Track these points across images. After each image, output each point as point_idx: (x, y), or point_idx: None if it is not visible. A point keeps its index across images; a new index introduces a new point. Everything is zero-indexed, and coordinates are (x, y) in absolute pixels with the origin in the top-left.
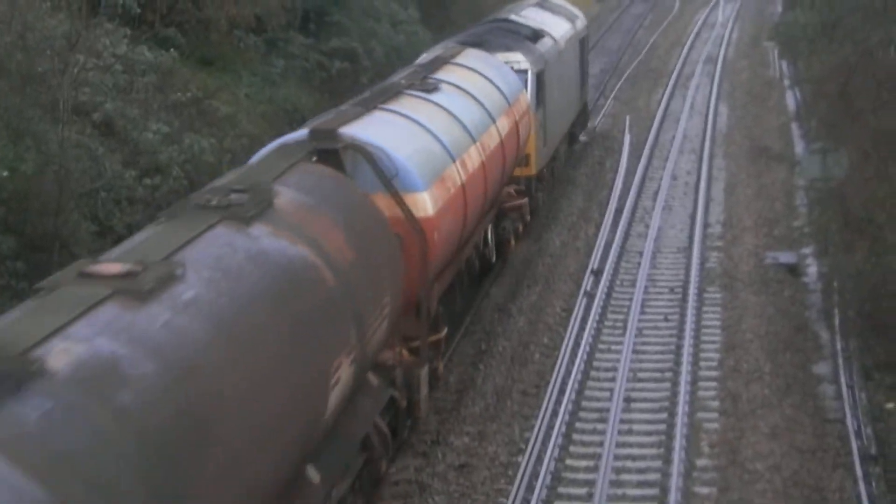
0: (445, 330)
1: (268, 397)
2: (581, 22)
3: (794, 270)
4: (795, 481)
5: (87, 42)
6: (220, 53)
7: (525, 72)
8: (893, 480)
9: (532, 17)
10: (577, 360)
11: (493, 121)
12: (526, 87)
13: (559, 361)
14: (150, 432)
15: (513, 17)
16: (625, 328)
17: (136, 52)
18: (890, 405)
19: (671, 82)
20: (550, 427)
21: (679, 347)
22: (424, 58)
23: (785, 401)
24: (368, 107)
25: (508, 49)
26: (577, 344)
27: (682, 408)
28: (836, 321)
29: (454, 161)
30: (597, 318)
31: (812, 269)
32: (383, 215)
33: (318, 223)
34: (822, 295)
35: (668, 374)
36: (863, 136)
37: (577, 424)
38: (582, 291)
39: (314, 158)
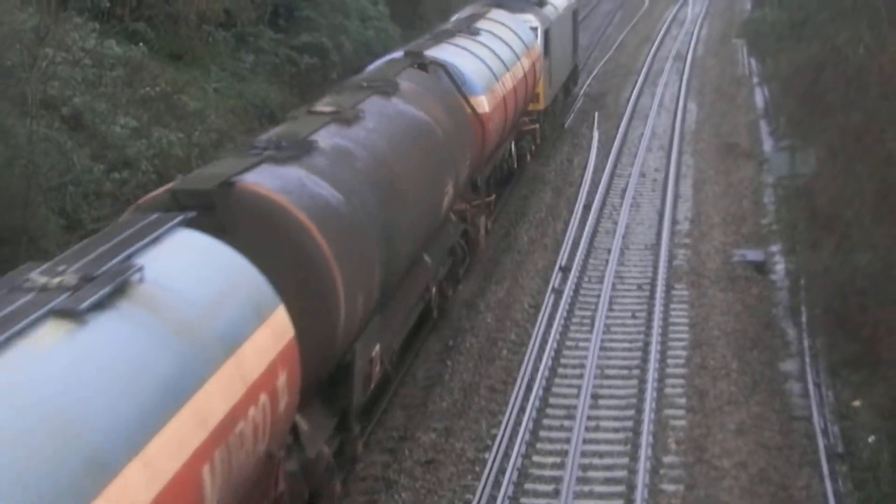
0: (493, 196)
1: (416, 182)
2: None
3: (761, 268)
4: (762, 479)
5: (57, 36)
6: (190, 48)
7: (536, 29)
8: (860, 478)
9: None
10: (545, 357)
11: (518, 59)
12: (537, 40)
13: (527, 358)
14: (373, 181)
15: None
16: (592, 325)
17: (105, 47)
18: (857, 403)
19: (640, 79)
20: (518, 423)
21: (646, 344)
22: (461, 14)
23: (752, 398)
24: (437, 41)
25: (523, 11)
26: (544, 340)
27: (649, 405)
28: (804, 318)
29: (497, 80)
30: (564, 314)
31: (779, 267)
32: (464, 105)
33: (428, 101)
34: (789, 292)
35: (636, 371)
36: (831, 134)
37: (545, 421)
38: (550, 288)
39: (415, 66)
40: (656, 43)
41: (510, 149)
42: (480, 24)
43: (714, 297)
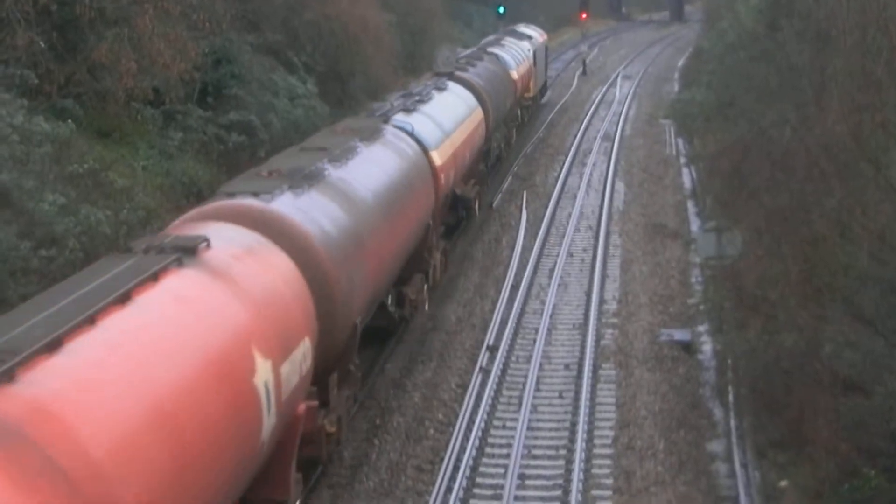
0: (518, 123)
1: (498, 91)
2: (544, 37)
3: (688, 348)
4: None
5: None
6: (118, 125)
7: (529, 50)
8: None
9: (525, 30)
10: (472, 437)
11: (524, 61)
12: (530, 55)
13: (454, 437)
14: (488, 83)
15: (517, 29)
16: (520, 404)
17: (34, 123)
18: (783, 483)
19: (568, 159)
20: (444, 503)
21: (574, 424)
22: (489, 38)
23: (678, 478)
24: (487, 45)
25: (521, 39)
26: (471, 420)
27: (575, 485)
28: (730, 398)
29: (517, 66)
30: (492, 394)
31: (706, 347)
32: (507, 72)
33: (495, 65)
34: (716, 372)
35: (563, 451)
36: (757, 215)
37: (472, 501)
38: (477, 367)
39: (484, 53)
40: (584, 123)
41: (518, 112)
42: (503, 42)
43: (641, 376)
